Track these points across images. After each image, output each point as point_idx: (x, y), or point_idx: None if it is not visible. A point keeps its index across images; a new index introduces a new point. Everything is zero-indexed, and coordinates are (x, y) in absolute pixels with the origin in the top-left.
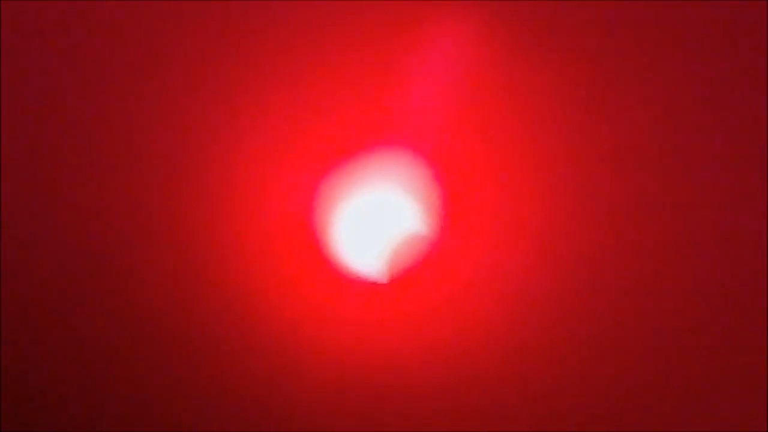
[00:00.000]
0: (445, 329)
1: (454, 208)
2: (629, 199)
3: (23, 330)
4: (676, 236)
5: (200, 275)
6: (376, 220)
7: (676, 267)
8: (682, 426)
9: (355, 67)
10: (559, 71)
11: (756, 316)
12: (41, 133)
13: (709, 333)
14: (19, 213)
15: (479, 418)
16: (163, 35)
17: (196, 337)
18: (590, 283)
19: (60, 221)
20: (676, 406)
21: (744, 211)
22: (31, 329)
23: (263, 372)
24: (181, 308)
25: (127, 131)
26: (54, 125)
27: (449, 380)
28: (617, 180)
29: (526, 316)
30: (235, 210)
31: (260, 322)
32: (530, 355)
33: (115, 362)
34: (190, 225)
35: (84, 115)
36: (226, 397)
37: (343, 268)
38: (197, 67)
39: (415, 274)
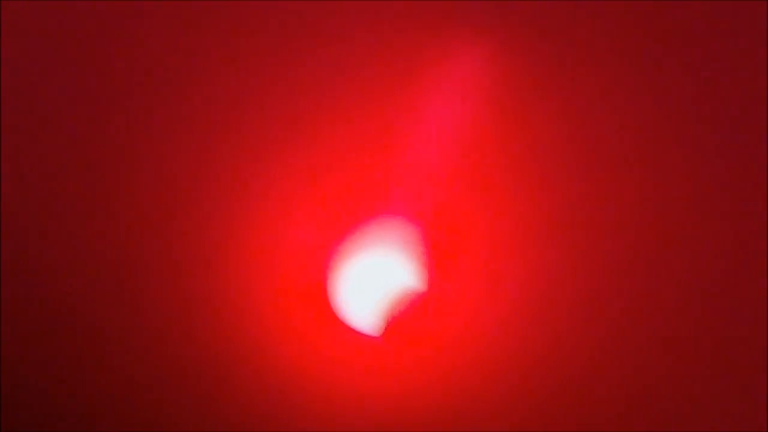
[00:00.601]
0: (434, 376)
1: (444, 266)
2: (621, 257)
3: (41, 338)
4: (679, 294)
5: (213, 324)
6: (372, 277)
7: (676, 322)
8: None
9: (355, 135)
10: (548, 130)
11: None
12: (52, 147)
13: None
14: (41, 227)
15: None
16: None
17: (206, 378)
18: (577, 333)
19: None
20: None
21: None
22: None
23: (269, 413)
24: (193, 353)
25: (145, 185)
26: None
27: (439, 422)
28: (610, 238)
29: (513, 364)
30: (247, 268)
31: (267, 368)
32: (518, 403)
33: (122, 410)
34: (206, 281)
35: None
36: None
37: (343, 320)
38: (206, 135)
39: (408, 326)
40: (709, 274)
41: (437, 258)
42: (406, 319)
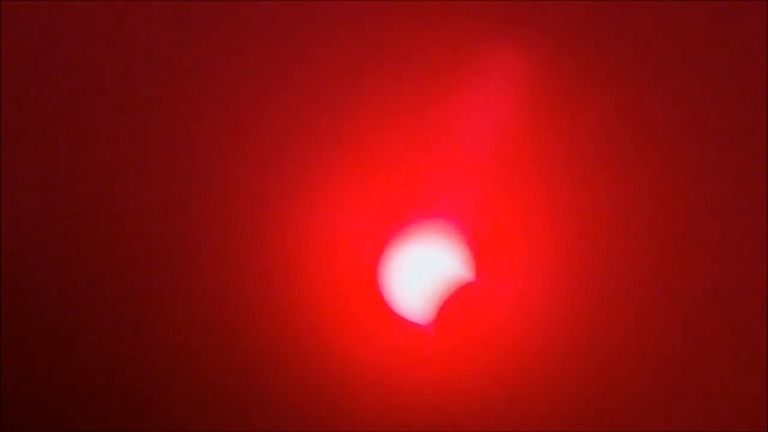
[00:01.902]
0: (482, 362)
1: (490, 256)
2: (661, 247)
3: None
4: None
5: (269, 313)
6: (422, 268)
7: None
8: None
9: (407, 132)
10: (587, 125)
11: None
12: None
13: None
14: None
15: None
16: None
17: (262, 365)
18: (622, 319)
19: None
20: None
21: None
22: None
23: (321, 398)
24: (250, 343)
25: (201, 175)
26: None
27: (484, 405)
28: (650, 228)
29: (558, 350)
30: (307, 261)
31: (321, 355)
32: (563, 385)
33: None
34: (262, 272)
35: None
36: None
37: (395, 310)
38: (266, 127)
39: (456, 314)
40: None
41: (484, 249)
42: (454, 308)
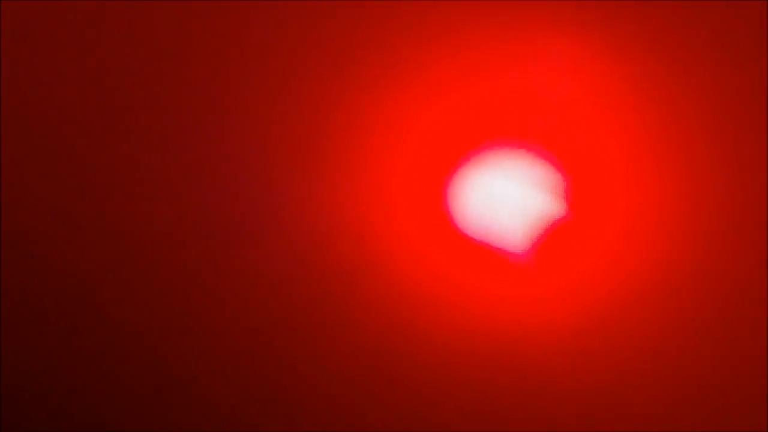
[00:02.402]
0: (575, 304)
1: (584, 191)
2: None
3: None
4: None
5: (335, 252)
6: (512, 201)
7: None
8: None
9: (485, 66)
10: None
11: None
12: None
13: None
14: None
15: (607, 391)
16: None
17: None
18: (721, 255)
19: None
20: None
21: None
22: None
23: (395, 345)
24: (314, 283)
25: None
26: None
27: (580, 350)
28: (735, 168)
29: (656, 293)
30: (386, 194)
31: (397, 295)
32: (666, 327)
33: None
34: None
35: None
36: (353, 369)
37: (481, 244)
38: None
39: (548, 251)
40: None
41: (577, 184)
42: (546, 244)
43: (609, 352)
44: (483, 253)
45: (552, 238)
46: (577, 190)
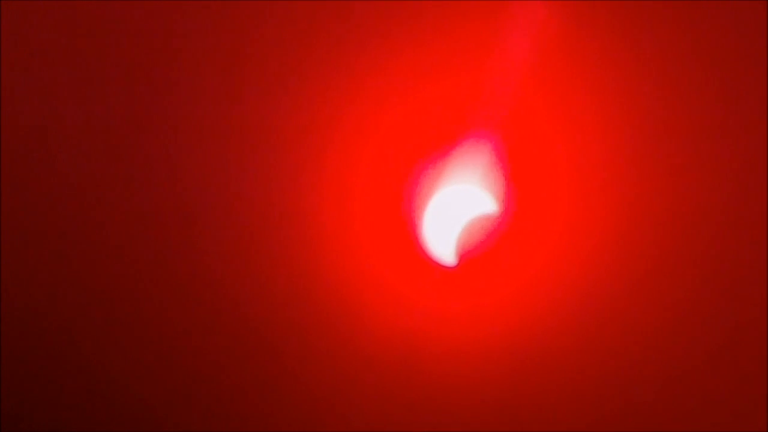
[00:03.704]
0: (513, 304)
1: (523, 193)
2: (700, 176)
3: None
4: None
5: (288, 257)
6: (451, 205)
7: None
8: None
9: (431, 65)
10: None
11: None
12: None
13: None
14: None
15: (544, 399)
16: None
17: (286, 308)
18: (666, 262)
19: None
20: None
21: None
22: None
23: (343, 339)
24: (273, 281)
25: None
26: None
27: (516, 355)
28: (684, 156)
29: (593, 296)
30: (328, 201)
31: (344, 296)
32: (602, 334)
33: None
34: (285, 212)
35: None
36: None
37: (422, 248)
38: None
39: (486, 255)
40: None
41: (517, 183)
42: (485, 245)
43: (551, 354)
44: (433, 258)
45: (498, 243)
46: (522, 193)
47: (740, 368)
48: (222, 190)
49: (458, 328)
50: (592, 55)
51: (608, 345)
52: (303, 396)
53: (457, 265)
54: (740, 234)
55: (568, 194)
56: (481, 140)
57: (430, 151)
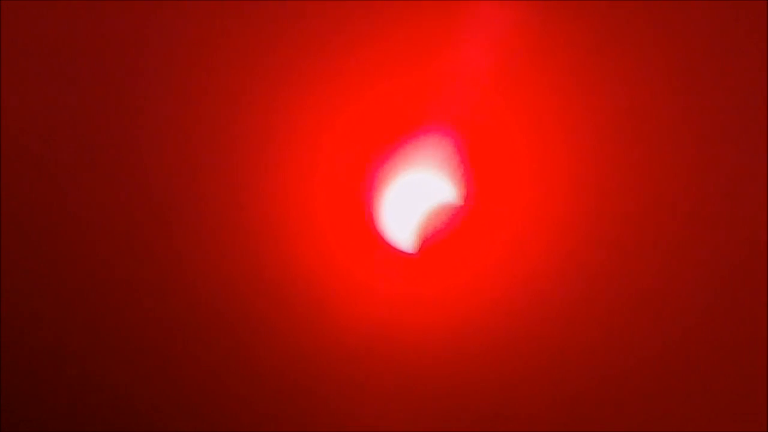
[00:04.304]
0: (473, 296)
1: (484, 182)
2: (665, 171)
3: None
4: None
5: (249, 243)
6: (409, 193)
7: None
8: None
9: (390, 56)
10: (591, 52)
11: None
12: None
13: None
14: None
15: (503, 389)
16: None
17: (246, 295)
18: (625, 254)
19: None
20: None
21: None
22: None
23: (303, 328)
24: (231, 272)
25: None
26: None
27: (476, 342)
28: (650, 153)
29: (553, 282)
30: (288, 190)
31: (303, 286)
32: (561, 325)
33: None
34: (239, 203)
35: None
36: (257, 365)
37: (380, 238)
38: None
39: (445, 243)
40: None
41: (477, 173)
42: (444, 234)
43: (510, 346)
44: (394, 246)
45: (458, 230)
46: (481, 180)
47: (699, 365)
48: (185, 181)
49: (420, 314)
50: (553, 45)
51: (568, 330)
52: (267, 387)
53: (418, 252)
54: (698, 224)
55: (527, 182)
56: (440, 130)
57: (390, 140)
